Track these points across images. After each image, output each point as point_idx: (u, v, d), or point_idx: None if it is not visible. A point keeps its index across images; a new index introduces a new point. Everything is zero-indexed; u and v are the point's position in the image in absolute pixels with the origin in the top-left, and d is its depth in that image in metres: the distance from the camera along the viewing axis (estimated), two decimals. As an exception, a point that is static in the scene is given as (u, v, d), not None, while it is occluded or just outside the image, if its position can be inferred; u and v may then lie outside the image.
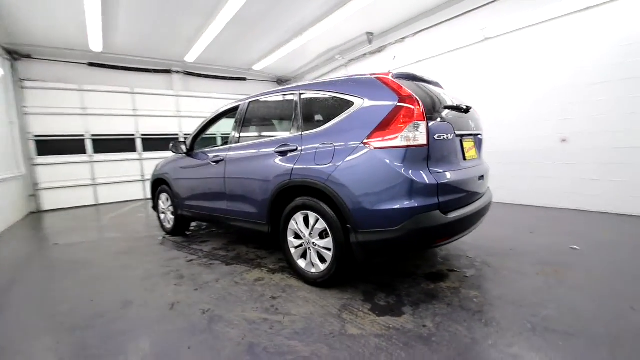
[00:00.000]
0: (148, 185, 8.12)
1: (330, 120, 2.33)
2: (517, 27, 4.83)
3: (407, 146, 1.96)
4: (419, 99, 2.01)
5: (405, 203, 1.96)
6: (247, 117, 3.16)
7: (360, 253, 2.14)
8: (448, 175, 2.10)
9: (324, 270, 2.35)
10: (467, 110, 2.45)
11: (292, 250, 2.57)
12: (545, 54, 4.62)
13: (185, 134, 8.70)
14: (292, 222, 2.53)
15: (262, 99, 3.08)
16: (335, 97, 2.37)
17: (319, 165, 2.26)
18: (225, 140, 4.41)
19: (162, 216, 4.41)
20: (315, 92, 2.55)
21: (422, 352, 1.63)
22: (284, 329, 1.89)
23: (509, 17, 4.92)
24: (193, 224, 4.74)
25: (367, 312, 2.04)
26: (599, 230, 3.53)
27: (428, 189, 1.97)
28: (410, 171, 1.97)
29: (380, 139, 2.02)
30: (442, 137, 2.10)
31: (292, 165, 2.44)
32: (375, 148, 2.03)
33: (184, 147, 3.73)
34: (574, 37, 4.34)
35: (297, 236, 2.53)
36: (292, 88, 2.76)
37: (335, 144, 2.22)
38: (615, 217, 3.99)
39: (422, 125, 1.98)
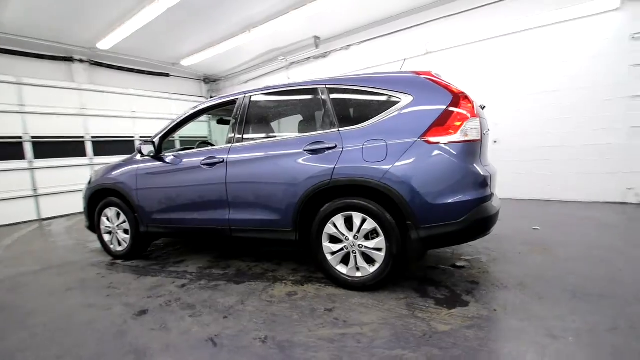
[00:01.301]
0: (50, 202, 6.42)
1: (374, 117, 2.25)
2: (456, 44, 5.61)
3: (466, 141, 2.05)
4: (470, 96, 2.13)
5: (470, 195, 2.04)
6: (250, 113, 2.78)
7: (419, 249, 2.12)
8: (488, 168, 2.28)
9: (374, 273, 2.24)
10: (483, 107, 2.70)
11: (329, 257, 2.37)
12: (477, 68, 5.49)
13: (93, 137, 7.13)
14: (328, 225, 2.34)
15: (268, 93, 2.77)
16: (376, 93, 2.30)
17: (371, 162, 2.16)
18: (204, 142, 3.82)
19: (107, 237, 3.49)
20: (348, 87, 2.42)
21: (519, 332, 1.70)
22: (373, 340, 1.72)
23: (450, 34, 5.67)
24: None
25: (436, 307, 2.03)
26: (540, 213, 4.35)
27: (485, 181, 2.09)
28: (472, 165, 2.06)
29: (439, 134, 2.05)
30: (485, 133, 2.27)
31: (332, 165, 2.26)
32: (435, 144, 2.05)
33: (151, 149, 3.05)
34: (507, 54, 5.29)
35: (333, 240, 2.36)
36: (312, 82, 2.57)
37: (388, 141, 2.15)
38: (541, 202, 5.00)
39: (477, 121, 2.10)
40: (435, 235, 2.07)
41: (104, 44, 6.30)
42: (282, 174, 2.45)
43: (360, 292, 2.28)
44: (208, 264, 3.13)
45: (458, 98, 2.09)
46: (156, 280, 2.79)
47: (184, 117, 3.12)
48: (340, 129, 2.33)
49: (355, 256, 2.29)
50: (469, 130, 2.06)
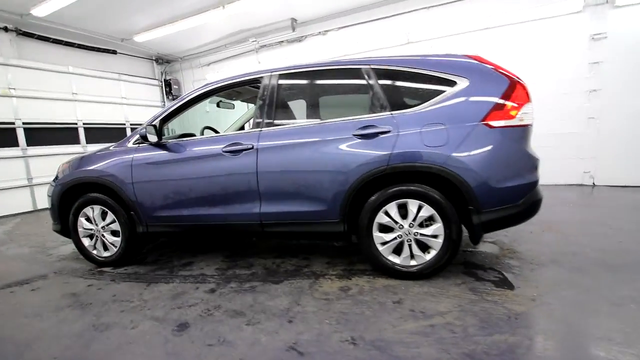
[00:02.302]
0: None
1: (429, 101, 2.18)
2: (437, 36, 5.79)
3: (523, 125, 2.09)
4: (524, 81, 2.17)
5: (527, 178, 2.10)
6: (281, 94, 2.50)
7: (479, 233, 2.13)
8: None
9: (431, 260, 2.19)
10: None
11: (380, 247, 2.27)
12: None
13: (25, 123, 5.91)
14: (380, 214, 2.23)
15: (301, 73, 2.51)
16: (430, 76, 2.22)
17: (431, 147, 2.09)
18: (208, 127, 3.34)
19: (88, 242, 2.91)
20: (397, 68, 2.29)
21: (585, 304, 1.82)
22: (465, 328, 1.68)
23: (431, 25, 5.82)
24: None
25: (498, 289, 2.07)
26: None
27: (537, 165, 2.17)
28: (527, 148, 2.12)
29: (499, 118, 2.05)
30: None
31: (388, 150, 2.13)
32: (496, 128, 2.05)
33: (153, 134, 2.58)
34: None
35: (384, 229, 2.26)
36: (355, 62, 2.39)
37: (448, 125, 2.09)
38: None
39: (531, 106, 2.15)
40: (495, 219, 2.10)
41: (41, 10, 5.17)
42: (329, 161, 2.25)
43: (416, 281, 2.23)
44: (224, 264, 2.79)
45: (514, 82, 2.12)
46: (172, 287, 2.40)
47: (190, 97, 2.70)
48: (393, 113, 2.21)
49: (410, 245, 2.22)
50: (525, 115, 2.10)
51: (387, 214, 2.22)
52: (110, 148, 2.88)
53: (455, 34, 5.66)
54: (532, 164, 2.13)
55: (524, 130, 2.10)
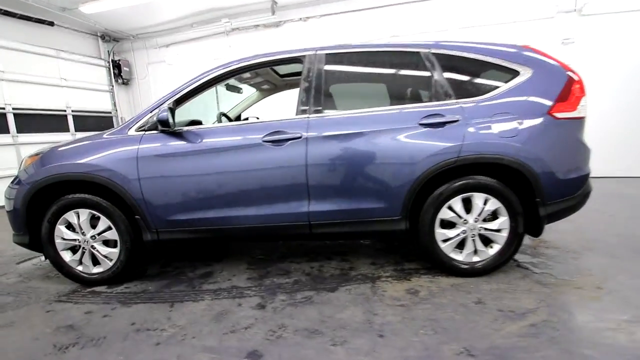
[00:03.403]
0: None
1: (495, 90, 2.08)
2: (423, 31, 5.84)
3: (582, 117, 2.11)
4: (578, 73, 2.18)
5: (585, 170, 2.14)
6: (329, 77, 2.19)
7: (542, 226, 2.11)
8: None
9: (494, 255, 2.12)
10: None
11: (442, 244, 2.13)
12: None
13: None
14: (444, 209, 2.09)
15: (351, 53, 2.23)
16: (493, 63, 2.12)
17: (503, 138, 2.00)
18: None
19: (70, 256, 2.29)
20: (460, 54, 2.15)
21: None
22: (565, 323, 1.62)
23: (416, 20, 5.84)
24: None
25: (562, 280, 2.07)
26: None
27: (590, 156, 2.22)
28: (584, 140, 2.15)
29: (563, 110, 2.04)
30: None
31: (458, 141, 1.99)
32: (560, 119, 2.03)
33: (169, 120, 2.07)
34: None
35: (446, 225, 2.13)
36: (412, 45, 2.18)
37: (516, 115, 2.02)
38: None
39: (586, 98, 2.17)
40: (557, 211, 2.10)
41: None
42: (392, 152, 2.04)
43: (479, 278, 2.14)
44: (254, 272, 2.41)
45: (573, 74, 2.12)
46: (206, 305, 1.98)
47: (212, 76, 2.24)
48: (459, 101, 2.07)
49: (473, 240, 2.13)
50: (582, 107, 2.12)
51: (450, 208, 2.09)
52: (104, 136, 2.28)
53: (440, 30, 5.77)
54: (587, 155, 2.17)
55: (581, 122, 2.12)
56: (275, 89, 3.46)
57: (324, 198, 2.11)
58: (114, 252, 2.26)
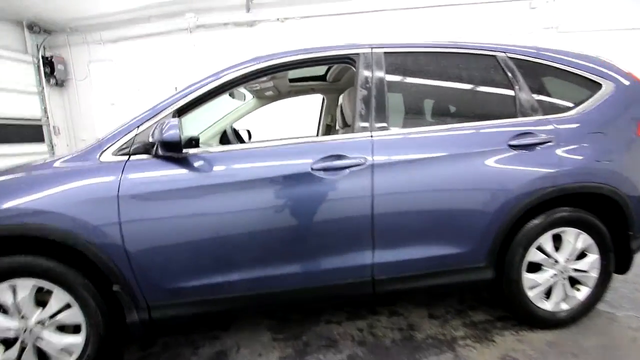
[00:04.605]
0: None
1: (582, 103, 1.76)
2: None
3: (665, 137, 1.88)
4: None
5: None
6: (391, 84, 1.68)
7: (632, 261, 1.83)
8: None
9: (583, 301, 1.78)
10: None
11: (530, 293, 1.73)
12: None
13: None
14: (532, 250, 1.70)
15: (417, 53, 1.74)
16: (576, 73, 1.79)
17: (601, 162, 1.67)
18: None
19: (-2, 350, 1.45)
20: (538, 61, 1.79)
21: None
22: None
23: (402, 29, 5.62)
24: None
25: (658, 325, 1.80)
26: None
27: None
28: None
29: (650, 130, 1.79)
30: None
31: (555, 167, 1.61)
32: (648, 140, 1.78)
33: (180, 140, 1.36)
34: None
35: (532, 269, 1.74)
36: (485, 47, 1.77)
37: (609, 135, 1.71)
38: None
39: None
40: (640, 244, 1.84)
41: None
42: (479, 182, 1.61)
43: (568, 329, 1.78)
44: (287, 346, 1.75)
45: (653, 89, 1.89)
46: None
47: (240, 73, 1.58)
48: (549, 117, 1.70)
49: (562, 285, 1.76)
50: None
51: (540, 249, 1.71)
52: (56, 165, 1.50)
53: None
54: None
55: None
56: (278, 96, 2.86)
57: (394, 245, 1.58)
58: (76, 342, 1.47)
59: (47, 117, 6.37)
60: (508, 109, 1.73)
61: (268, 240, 1.50)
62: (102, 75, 6.53)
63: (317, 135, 3.19)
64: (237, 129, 2.87)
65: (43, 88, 6.27)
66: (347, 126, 1.88)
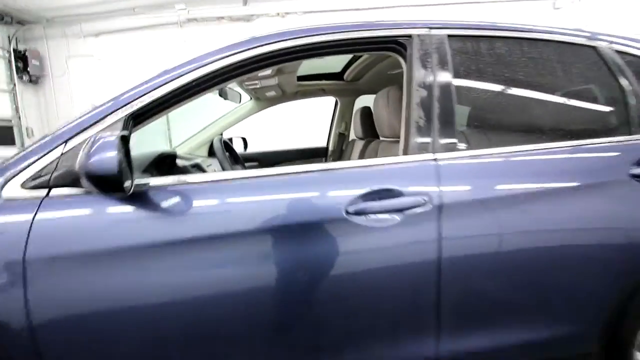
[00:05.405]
0: None
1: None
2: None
3: None
4: None
5: None
6: (461, 81, 1.14)
7: None
8: None
9: None
10: None
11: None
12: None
13: None
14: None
15: (494, 37, 1.19)
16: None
17: None
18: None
19: None
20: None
21: None
22: None
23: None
24: None
25: None
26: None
27: None
28: None
29: None
30: None
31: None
32: None
33: (122, 169, 0.81)
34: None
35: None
36: (581, 33, 1.26)
37: None
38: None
39: None
40: None
41: None
42: (590, 229, 1.07)
43: None
44: None
45: None
46: None
47: (240, 58, 1.03)
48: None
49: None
50: None
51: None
52: None
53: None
54: None
55: None
56: (281, 97, 2.31)
57: (469, 325, 1.04)
58: None
59: (19, 118, 5.74)
60: (618, 121, 1.21)
61: (281, 324, 0.94)
62: (82, 72, 5.92)
63: (327, 145, 2.65)
64: (229, 138, 2.31)
65: (15, 85, 5.64)
66: (372, 137, 1.35)
